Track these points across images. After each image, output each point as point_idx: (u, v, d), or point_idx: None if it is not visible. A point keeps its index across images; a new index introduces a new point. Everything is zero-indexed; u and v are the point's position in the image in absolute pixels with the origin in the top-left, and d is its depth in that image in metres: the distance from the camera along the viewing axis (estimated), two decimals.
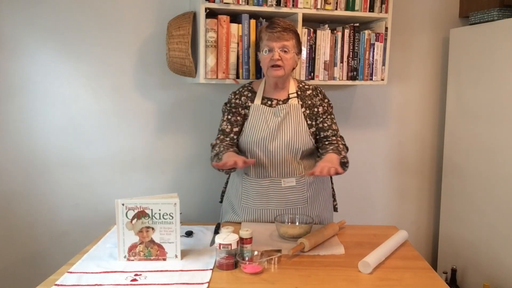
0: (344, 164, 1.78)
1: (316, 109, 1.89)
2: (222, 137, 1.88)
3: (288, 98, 1.88)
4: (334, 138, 1.87)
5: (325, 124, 1.89)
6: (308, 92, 1.92)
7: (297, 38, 1.86)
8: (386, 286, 1.36)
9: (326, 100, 1.93)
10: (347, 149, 1.89)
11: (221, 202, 2.10)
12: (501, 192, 2.19)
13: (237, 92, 1.95)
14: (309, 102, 1.89)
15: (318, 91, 1.93)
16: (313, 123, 1.88)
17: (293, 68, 1.91)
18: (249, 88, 1.95)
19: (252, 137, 1.84)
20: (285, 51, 1.79)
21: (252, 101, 1.89)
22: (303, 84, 1.95)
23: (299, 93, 1.90)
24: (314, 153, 1.93)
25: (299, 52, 1.90)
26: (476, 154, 2.36)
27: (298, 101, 1.88)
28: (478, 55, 2.32)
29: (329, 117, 1.91)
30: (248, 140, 1.85)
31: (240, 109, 1.91)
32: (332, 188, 2.07)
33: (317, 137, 1.90)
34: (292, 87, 1.90)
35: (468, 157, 2.42)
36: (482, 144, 2.31)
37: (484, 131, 2.29)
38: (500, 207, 2.19)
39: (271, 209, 1.85)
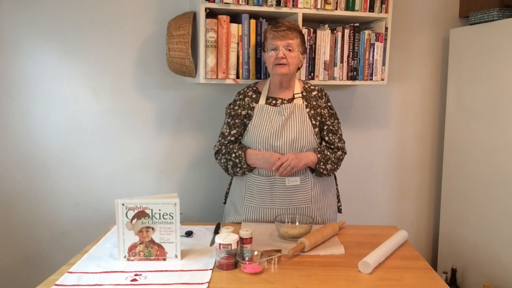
0: (320, 173, 1.85)
1: (320, 111, 1.90)
2: (222, 140, 1.92)
3: (293, 98, 1.89)
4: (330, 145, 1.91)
5: (327, 130, 1.91)
6: (314, 93, 1.92)
7: (301, 37, 1.86)
8: (386, 286, 1.36)
9: (329, 104, 1.94)
10: (340, 158, 1.91)
11: (224, 203, 2.09)
12: (501, 192, 2.19)
13: (242, 92, 1.96)
14: (314, 103, 1.90)
15: (323, 93, 1.94)
16: (317, 123, 1.88)
17: (298, 68, 1.92)
18: (254, 88, 1.96)
19: (257, 136, 1.84)
20: (289, 50, 1.80)
21: (257, 102, 1.90)
22: (309, 85, 1.96)
23: (304, 93, 1.91)
24: None
25: (304, 51, 1.90)
26: (476, 154, 2.35)
27: (303, 101, 1.88)
28: (478, 55, 2.32)
29: (331, 123, 1.92)
30: (253, 139, 1.85)
31: (240, 111, 1.91)
32: (337, 189, 2.06)
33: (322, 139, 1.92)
34: (297, 87, 1.91)
35: (468, 157, 2.42)
36: (482, 144, 2.30)
37: (484, 131, 2.29)
38: (500, 207, 2.19)
39: (275, 208, 1.85)
